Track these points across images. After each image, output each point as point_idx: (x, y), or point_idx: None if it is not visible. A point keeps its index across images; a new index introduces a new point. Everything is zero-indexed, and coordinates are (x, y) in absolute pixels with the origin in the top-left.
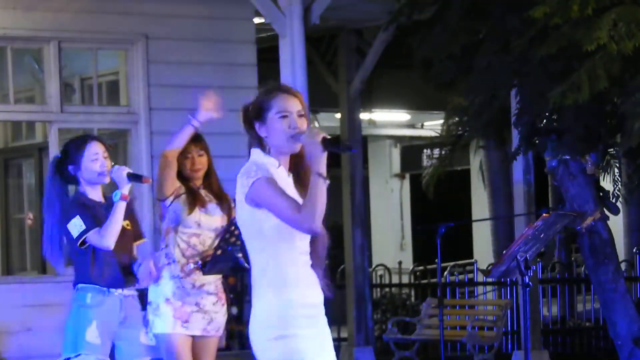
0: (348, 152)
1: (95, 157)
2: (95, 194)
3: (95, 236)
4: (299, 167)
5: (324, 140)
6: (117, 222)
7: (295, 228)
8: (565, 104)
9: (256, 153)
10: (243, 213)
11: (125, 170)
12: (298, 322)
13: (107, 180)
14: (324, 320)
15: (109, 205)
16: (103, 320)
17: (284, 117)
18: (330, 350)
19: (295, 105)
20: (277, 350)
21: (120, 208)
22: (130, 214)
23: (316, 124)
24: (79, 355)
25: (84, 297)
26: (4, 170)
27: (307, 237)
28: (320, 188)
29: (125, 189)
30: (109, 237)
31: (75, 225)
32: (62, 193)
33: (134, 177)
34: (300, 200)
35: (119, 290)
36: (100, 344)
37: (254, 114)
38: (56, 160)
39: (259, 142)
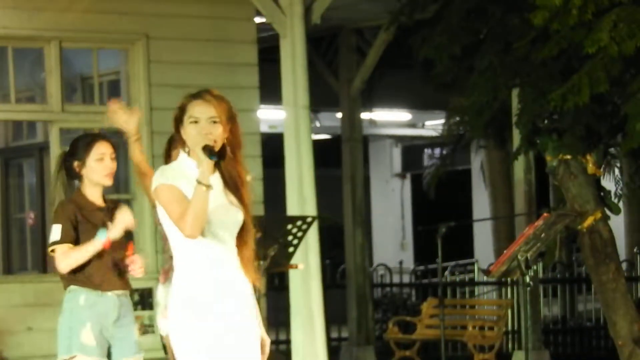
0: (212, 158)
1: (101, 156)
2: (96, 196)
3: (59, 254)
4: (223, 170)
5: (205, 148)
6: (83, 256)
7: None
8: (565, 107)
9: (181, 155)
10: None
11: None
12: (198, 307)
13: (110, 182)
14: (239, 312)
15: (108, 208)
16: (97, 321)
17: (194, 122)
18: (240, 341)
19: (206, 112)
20: (177, 331)
21: (94, 246)
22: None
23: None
24: (74, 357)
25: (77, 298)
26: (4, 170)
27: (225, 231)
28: (199, 197)
29: (111, 233)
30: (67, 262)
31: (54, 233)
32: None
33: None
34: (223, 203)
35: (113, 291)
36: (96, 345)
37: (178, 117)
38: (63, 155)
39: (183, 144)
